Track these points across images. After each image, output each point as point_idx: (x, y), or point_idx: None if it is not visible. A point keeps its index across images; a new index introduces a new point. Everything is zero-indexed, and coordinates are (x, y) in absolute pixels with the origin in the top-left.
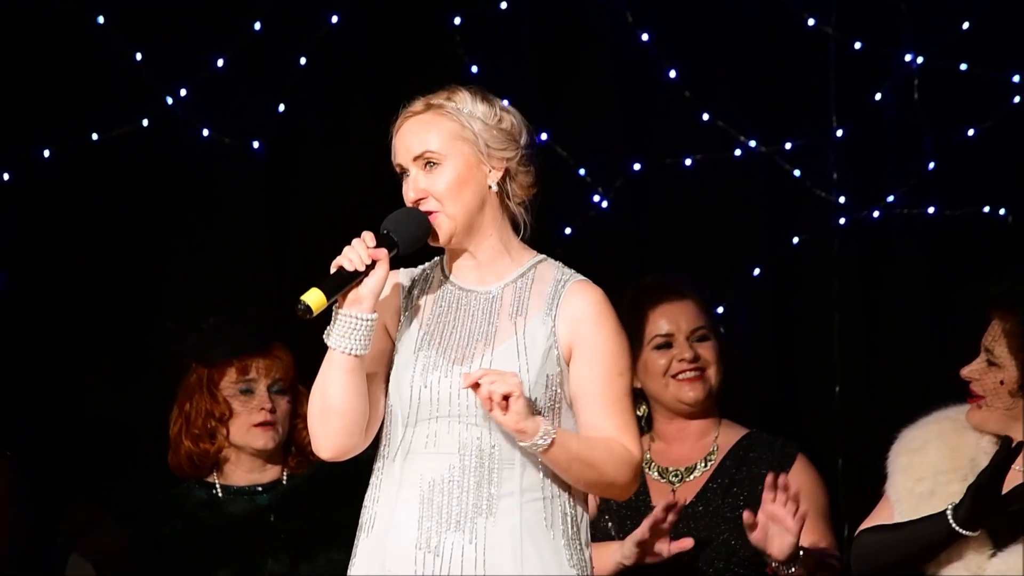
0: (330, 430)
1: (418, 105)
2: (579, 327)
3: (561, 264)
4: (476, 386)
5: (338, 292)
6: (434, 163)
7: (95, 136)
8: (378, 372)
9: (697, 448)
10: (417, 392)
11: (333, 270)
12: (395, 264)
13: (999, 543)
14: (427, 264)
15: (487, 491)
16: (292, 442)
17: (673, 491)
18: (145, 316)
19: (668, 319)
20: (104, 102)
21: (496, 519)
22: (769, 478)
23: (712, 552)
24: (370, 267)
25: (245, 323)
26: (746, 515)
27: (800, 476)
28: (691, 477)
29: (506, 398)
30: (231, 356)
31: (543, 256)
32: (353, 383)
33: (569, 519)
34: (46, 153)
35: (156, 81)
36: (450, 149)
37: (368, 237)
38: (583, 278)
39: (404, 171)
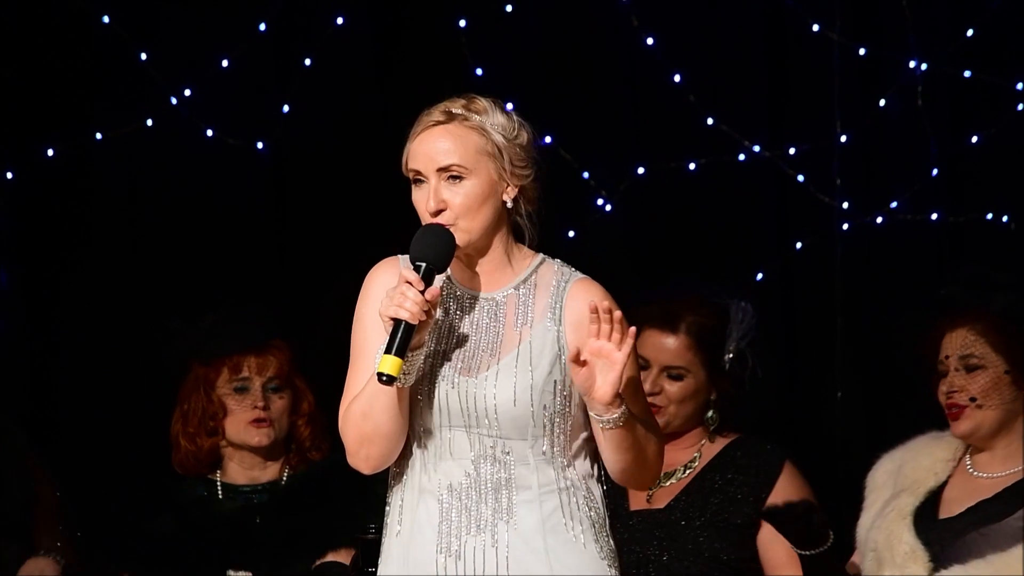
0: (374, 452)
1: (438, 114)
2: (586, 328)
3: (560, 263)
4: (580, 361)
5: (407, 346)
6: (458, 176)
7: (99, 135)
8: None
9: (680, 455)
10: (427, 402)
11: (390, 324)
12: None
13: (939, 562)
14: None
15: (505, 494)
16: (292, 439)
17: (648, 497)
18: (147, 315)
19: (649, 347)
20: (108, 101)
21: (516, 519)
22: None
23: (690, 558)
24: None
25: (241, 320)
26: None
27: (786, 483)
28: (667, 483)
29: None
30: (226, 353)
31: (542, 256)
32: (402, 409)
33: (592, 509)
34: (50, 152)
35: (160, 81)
36: (476, 164)
37: (415, 281)
38: (582, 276)
39: (419, 178)
